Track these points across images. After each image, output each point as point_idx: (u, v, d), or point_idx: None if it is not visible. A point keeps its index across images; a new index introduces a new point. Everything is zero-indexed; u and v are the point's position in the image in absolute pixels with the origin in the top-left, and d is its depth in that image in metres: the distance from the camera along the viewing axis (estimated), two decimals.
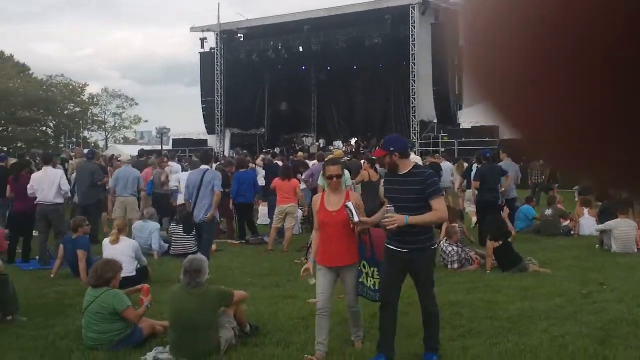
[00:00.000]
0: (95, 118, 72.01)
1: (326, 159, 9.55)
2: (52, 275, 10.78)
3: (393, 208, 5.85)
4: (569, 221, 15.12)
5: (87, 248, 10.54)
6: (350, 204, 6.10)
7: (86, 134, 71.22)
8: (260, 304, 8.25)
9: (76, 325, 7.36)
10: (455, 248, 10.90)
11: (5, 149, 49.95)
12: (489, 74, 0.52)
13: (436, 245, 6.18)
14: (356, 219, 6.05)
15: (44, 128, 65.88)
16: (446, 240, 11.07)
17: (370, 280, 6.29)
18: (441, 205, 5.96)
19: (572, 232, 14.83)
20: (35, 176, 12.17)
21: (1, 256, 8.87)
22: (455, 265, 10.79)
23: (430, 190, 5.85)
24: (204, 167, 11.08)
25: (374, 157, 14.15)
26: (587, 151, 0.48)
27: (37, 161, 14.25)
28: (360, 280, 6.33)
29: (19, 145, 57.41)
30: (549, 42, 0.45)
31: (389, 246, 6.07)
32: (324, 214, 6.33)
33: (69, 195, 13.67)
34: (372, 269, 6.29)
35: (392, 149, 5.94)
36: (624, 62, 0.42)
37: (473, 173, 14.44)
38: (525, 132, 0.52)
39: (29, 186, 12.03)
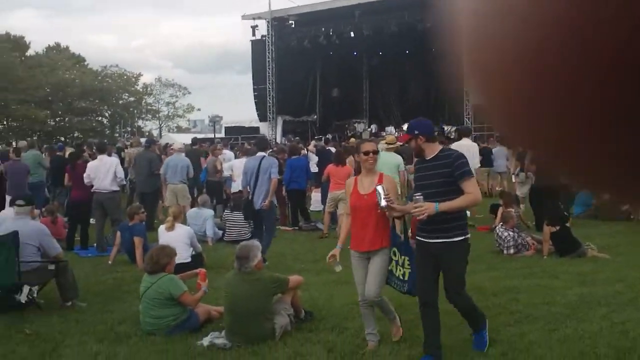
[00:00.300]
0: (149, 107, 72.97)
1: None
2: (109, 262, 10.97)
3: (422, 197, 5.49)
4: (628, 205, 14.73)
5: (143, 235, 10.70)
6: (379, 188, 5.80)
7: (140, 123, 72.28)
8: (314, 290, 8.26)
9: (133, 311, 7.48)
10: (511, 233, 10.74)
11: (63, 138, 51.11)
12: (490, 75, 0.51)
13: (468, 236, 5.68)
14: (382, 203, 5.73)
15: (100, 118, 67.00)
16: (502, 225, 10.91)
17: (400, 270, 6.00)
18: (472, 187, 5.53)
19: (632, 217, 14.47)
20: (91, 165, 12.39)
21: (60, 243, 9.02)
22: (512, 251, 10.63)
23: (459, 172, 5.45)
24: (260, 153, 11.09)
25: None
26: (586, 152, 0.48)
27: (93, 150, 14.49)
28: (389, 267, 6.06)
29: (75, 135, 58.59)
30: (555, 45, 0.45)
31: (418, 237, 5.76)
32: (356, 198, 6.05)
33: (124, 183, 13.89)
34: (402, 257, 6.00)
35: (416, 132, 5.63)
36: (630, 68, 0.43)
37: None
38: (525, 131, 0.52)
39: (85, 174, 12.25)
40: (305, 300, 7.45)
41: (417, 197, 5.52)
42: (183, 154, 15.17)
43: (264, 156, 10.94)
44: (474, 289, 8.28)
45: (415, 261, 5.83)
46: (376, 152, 6.17)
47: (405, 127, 36.89)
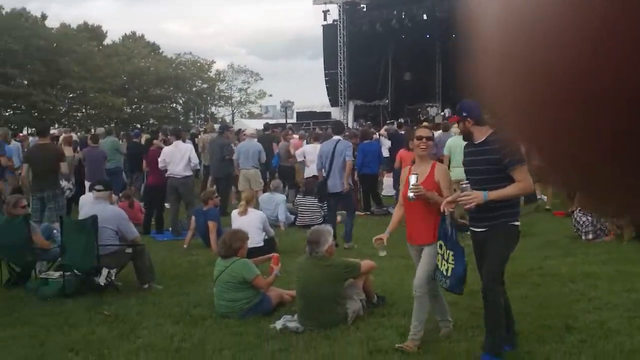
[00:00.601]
0: (221, 94, 73.80)
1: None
2: (184, 246, 11.16)
3: (469, 185, 5.21)
4: None
5: (217, 219, 10.84)
6: (412, 177, 5.62)
7: (213, 109, 73.18)
8: (386, 275, 8.22)
9: (208, 293, 7.60)
10: (589, 218, 10.45)
11: (139, 125, 52.14)
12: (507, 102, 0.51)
13: (516, 224, 5.28)
14: (410, 194, 5.59)
15: (174, 105, 68.13)
16: (580, 209, 10.63)
17: (444, 265, 5.58)
18: (523, 175, 5.08)
19: None
20: (166, 150, 12.60)
21: (137, 228, 9.22)
22: (590, 236, 10.35)
23: (509, 159, 5.01)
24: (336, 137, 11.19)
25: None
26: (602, 178, 0.48)
27: (168, 136, 14.73)
28: (436, 261, 5.69)
29: (150, 122, 59.74)
30: (571, 89, 0.45)
31: (471, 228, 5.47)
32: (407, 187, 5.79)
33: (198, 168, 14.10)
34: (448, 252, 5.57)
35: (464, 114, 5.34)
36: None
37: None
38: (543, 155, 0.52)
39: (160, 160, 12.47)
40: (377, 285, 7.42)
41: (463, 186, 5.27)
42: (255, 140, 15.30)
43: (339, 139, 11.03)
44: (550, 275, 8.13)
45: (458, 252, 5.53)
46: (430, 139, 5.88)
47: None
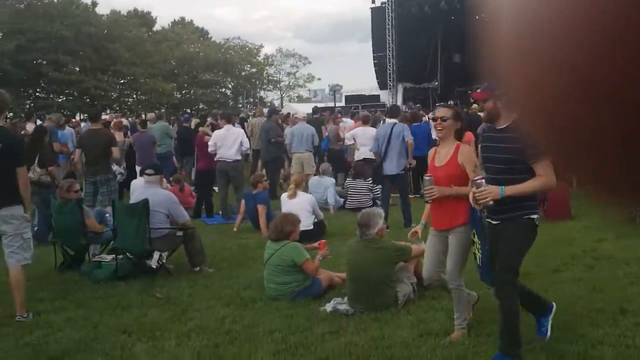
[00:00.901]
0: (270, 78, 73.99)
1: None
2: (234, 229, 11.22)
3: (483, 180, 4.79)
4: None
5: (266, 203, 10.86)
6: (426, 179, 5.38)
7: (262, 93, 73.44)
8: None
9: (258, 276, 7.61)
10: None
11: (189, 110, 52.64)
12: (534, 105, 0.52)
13: (534, 217, 4.83)
14: (425, 198, 5.43)
15: (223, 89, 68.56)
16: None
17: (478, 255, 5.28)
18: (545, 169, 4.59)
19: None
20: (217, 134, 12.63)
21: (188, 212, 9.29)
22: None
23: (532, 150, 4.07)
24: (392, 120, 11.27)
25: None
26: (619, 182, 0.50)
27: (218, 120, 14.79)
28: (473, 250, 5.37)
29: (200, 106, 60.25)
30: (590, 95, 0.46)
31: (487, 219, 5.09)
32: (431, 170, 5.53)
33: (248, 152, 14.15)
34: (478, 241, 5.24)
35: (496, 91, 4.60)
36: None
37: None
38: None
39: (210, 143, 12.51)
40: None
41: (478, 181, 4.83)
42: (305, 122, 15.34)
43: (395, 122, 11.11)
44: (605, 258, 7.95)
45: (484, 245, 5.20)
46: (445, 120, 5.43)
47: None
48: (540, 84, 0.49)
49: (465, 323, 5.58)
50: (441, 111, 5.54)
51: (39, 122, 21.27)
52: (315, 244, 7.61)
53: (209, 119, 16.80)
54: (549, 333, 5.29)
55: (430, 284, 6.65)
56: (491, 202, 4.77)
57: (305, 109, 35.87)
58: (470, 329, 5.63)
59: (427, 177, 5.47)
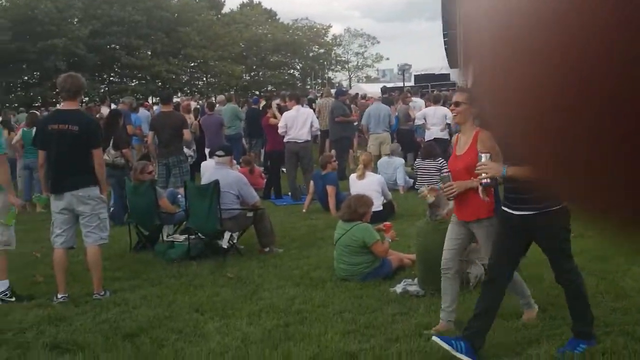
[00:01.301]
0: (338, 58, 73.89)
1: None
2: (303, 210, 11.28)
3: (489, 155, 4.60)
4: None
5: (335, 183, 10.87)
6: (445, 176, 5.15)
7: (330, 74, 73.39)
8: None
9: (327, 257, 7.64)
10: None
11: (257, 92, 53.05)
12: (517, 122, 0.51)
13: (561, 205, 4.37)
14: (444, 180, 5.15)
15: (291, 71, 68.82)
16: None
17: None
18: None
19: None
20: (287, 115, 12.65)
21: (257, 193, 9.38)
22: None
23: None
24: None
25: None
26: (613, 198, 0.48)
27: (286, 102, 14.85)
28: None
29: (269, 88, 60.61)
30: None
31: (503, 207, 4.82)
32: (452, 159, 5.36)
33: (318, 132, 14.18)
34: None
35: None
36: None
37: None
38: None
39: (280, 125, 12.54)
40: None
41: (481, 155, 4.67)
42: (381, 102, 15.30)
43: None
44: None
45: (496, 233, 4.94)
46: (458, 105, 5.18)
47: None
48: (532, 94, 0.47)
49: (532, 301, 5.46)
50: (458, 95, 5.31)
51: (112, 105, 21.78)
52: (381, 226, 7.58)
53: (277, 101, 16.90)
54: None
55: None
56: (488, 180, 4.62)
57: (373, 89, 35.73)
58: (545, 311, 5.53)
59: (444, 174, 5.26)
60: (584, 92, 0.43)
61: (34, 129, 11.59)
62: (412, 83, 39.78)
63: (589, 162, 0.46)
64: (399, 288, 6.43)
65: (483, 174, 4.62)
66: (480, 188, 4.82)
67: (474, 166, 4.82)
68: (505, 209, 4.76)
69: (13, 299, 6.64)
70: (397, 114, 16.80)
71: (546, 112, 0.46)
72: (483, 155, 4.65)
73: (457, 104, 5.19)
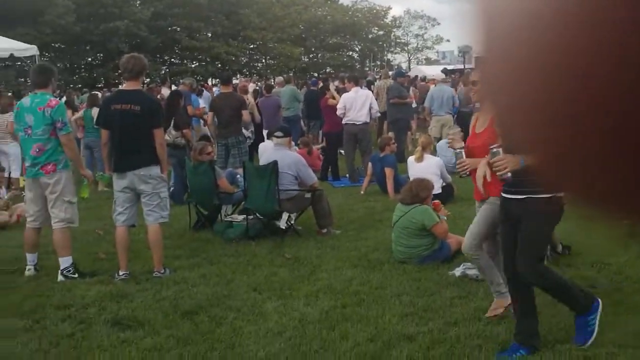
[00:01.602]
0: (397, 40, 73.29)
1: None
2: (361, 192, 11.25)
3: (500, 149, 4.34)
4: None
5: (394, 166, 10.81)
6: (458, 153, 4.97)
7: (389, 56, 72.87)
8: (572, 223, 7.83)
9: (385, 239, 7.61)
10: None
11: (316, 74, 53.02)
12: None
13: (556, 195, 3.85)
14: (458, 157, 5.00)
15: (350, 53, 68.55)
16: None
17: None
18: None
19: None
20: (346, 96, 12.59)
21: (315, 174, 9.38)
22: None
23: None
24: None
25: None
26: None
27: (345, 83, 14.78)
28: None
29: (327, 70, 60.53)
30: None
31: (502, 194, 4.58)
32: (470, 137, 5.21)
33: (378, 114, 14.09)
34: None
35: None
36: None
37: None
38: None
39: (339, 106, 12.50)
40: (563, 234, 7.08)
41: (494, 150, 4.42)
42: (445, 85, 15.12)
43: None
44: None
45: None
46: (475, 84, 5.05)
47: None
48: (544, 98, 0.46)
49: (498, 289, 5.17)
50: (473, 74, 5.22)
51: (173, 87, 22.04)
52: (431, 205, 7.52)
53: (336, 82, 16.84)
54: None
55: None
56: (509, 174, 4.32)
57: (433, 71, 35.35)
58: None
59: (457, 151, 5.06)
60: (592, 86, 0.42)
61: (93, 109, 11.85)
62: (473, 65, 39.18)
63: (597, 154, 0.45)
64: (457, 271, 6.36)
65: (503, 170, 4.35)
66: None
67: (486, 144, 4.67)
68: (503, 194, 4.56)
69: (76, 275, 6.80)
70: (457, 96, 16.58)
71: (555, 101, 0.45)
72: (498, 149, 4.41)
73: (474, 83, 5.12)
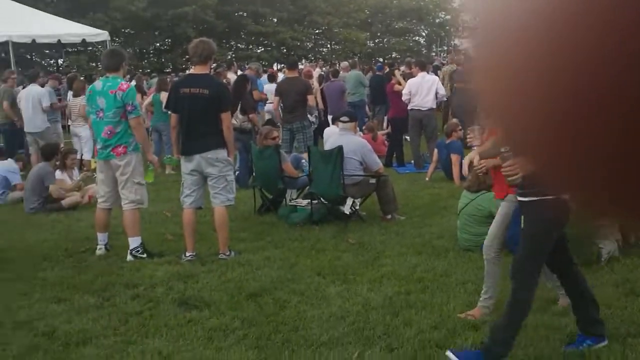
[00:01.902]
0: (466, 25, 72.20)
1: None
2: (427, 179, 11.16)
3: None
4: None
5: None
6: (472, 157, 4.86)
7: (457, 41, 71.89)
8: None
9: (450, 226, 7.54)
10: None
11: (381, 59, 52.68)
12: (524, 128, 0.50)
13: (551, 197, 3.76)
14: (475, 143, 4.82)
15: (416, 38, 67.84)
16: None
17: None
18: None
19: None
20: (412, 82, 12.47)
21: (380, 160, 9.34)
22: None
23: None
24: None
25: None
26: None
27: (411, 68, 14.66)
28: None
29: (393, 55, 60.07)
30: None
31: (518, 196, 4.34)
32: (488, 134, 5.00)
33: (445, 99, 13.94)
34: None
35: None
36: None
37: None
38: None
39: (404, 92, 12.40)
40: None
41: (506, 154, 4.20)
42: None
43: None
44: None
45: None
46: None
47: None
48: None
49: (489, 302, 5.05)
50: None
51: (239, 72, 22.18)
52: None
53: (403, 67, 16.70)
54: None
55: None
56: (521, 179, 4.09)
57: None
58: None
59: (506, 152, 4.53)
60: (593, 85, 0.42)
61: (162, 94, 12.03)
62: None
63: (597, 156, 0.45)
64: None
65: (514, 175, 4.17)
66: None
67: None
68: (518, 196, 4.33)
69: (144, 255, 6.94)
70: None
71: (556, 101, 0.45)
72: (510, 153, 4.12)
73: None
